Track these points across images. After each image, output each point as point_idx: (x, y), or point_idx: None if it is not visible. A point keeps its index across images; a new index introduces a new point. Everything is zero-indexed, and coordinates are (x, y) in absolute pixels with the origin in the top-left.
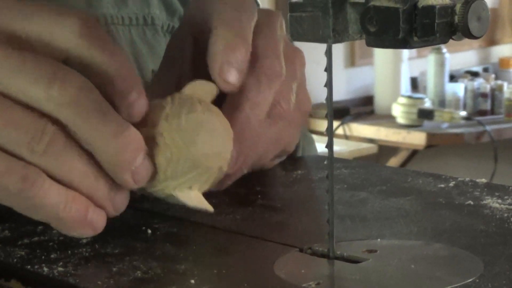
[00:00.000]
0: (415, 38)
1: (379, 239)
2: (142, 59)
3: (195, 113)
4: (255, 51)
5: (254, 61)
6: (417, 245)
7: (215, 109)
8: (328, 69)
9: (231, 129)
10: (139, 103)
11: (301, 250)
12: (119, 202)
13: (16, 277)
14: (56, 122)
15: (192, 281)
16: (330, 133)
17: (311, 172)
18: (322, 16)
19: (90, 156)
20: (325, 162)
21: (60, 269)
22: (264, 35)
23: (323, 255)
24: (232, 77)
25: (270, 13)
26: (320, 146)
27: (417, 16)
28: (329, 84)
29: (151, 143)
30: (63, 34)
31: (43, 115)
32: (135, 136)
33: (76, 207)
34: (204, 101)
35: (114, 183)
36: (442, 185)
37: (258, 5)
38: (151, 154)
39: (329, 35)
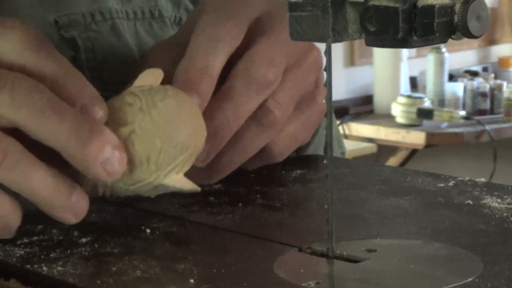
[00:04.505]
0: (415, 38)
1: (378, 239)
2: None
3: (170, 98)
4: (252, 55)
5: (248, 65)
6: (417, 245)
7: (176, 89)
8: (328, 68)
9: (195, 104)
10: (94, 106)
11: (300, 250)
12: (79, 208)
13: (16, 277)
14: (12, 131)
15: (192, 281)
16: (329, 133)
17: (310, 171)
18: (322, 16)
19: (49, 162)
20: (325, 162)
21: (60, 268)
22: (265, 40)
23: (322, 255)
24: None
25: (274, 13)
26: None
27: (417, 15)
28: (328, 84)
29: (133, 139)
30: (6, 47)
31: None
32: (97, 129)
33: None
34: (165, 86)
35: (74, 189)
36: (442, 185)
37: None
38: (137, 150)
39: (328, 35)
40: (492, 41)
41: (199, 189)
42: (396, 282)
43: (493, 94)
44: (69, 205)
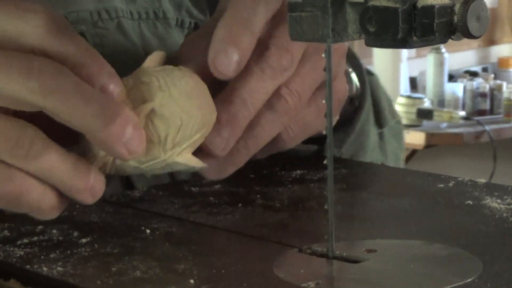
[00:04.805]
0: (414, 38)
1: (378, 239)
2: (152, 52)
3: (188, 77)
4: (268, 41)
5: (264, 50)
6: (416, 245)
7: (189, 69)
8: (328, 69)
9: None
10: (112, 84)
11: (300, 250)
12: (98, 189)
13: (16, 277)
14: (35, 116)
15: (191, 281)
16: (329, 133)
17: (310, 172)
18: (322, 16)
19: (70, 147)
20: (325, 162)
21: (60, 269)
22: (283, 27)
23: (322, 255)
24: (225, 67)
25: None
26: None
27: (416, 16)
28: (328, 84)
29: (152, 117)
30: (29, 31)
31: (20, 117)
32: (120, 110)
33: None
34: (178, 66)
35: (91, 171)
36: (442, 185)
37: None
38: (156, 128)
39: (328, 35)
40: (491, 42)
41: (206, 166)
42: (396, 282)
43: (493, 94)
44: (88, 187)
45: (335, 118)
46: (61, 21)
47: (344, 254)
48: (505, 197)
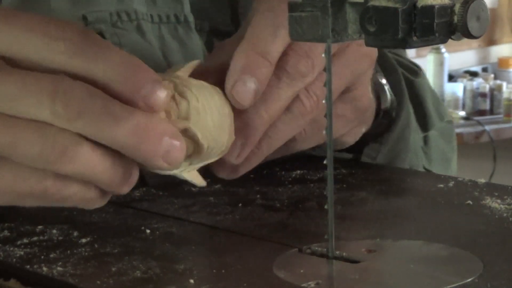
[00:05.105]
0: (414, 38)
1: (378, 239)
2: (171, 55)
3: (223, 103)
4: (289, 47)
5: (282, 55)
6: (416, 245)
7: (220, 91)
8: (328, 69)
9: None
10: (155, 93)
11: (300, 250)
12: (134, 182)
13: (16, 277)
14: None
15: (191, 281)
16: (329, 133)
17: (310, 172)
18: (321, 16)
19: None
20: (325, 162)
21: (60, 269)
22: None
23: (322, 255)
24: (242, 96)
25: None
26: None
27: (416, 16)
28: (328, 84)
29: (184, 136)
30: (55, 49)
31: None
32: (153, 124)
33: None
34: (213, 86)
35: (131, 166)
36: (441, 185)
37: None
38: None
39: (328, 35)
40: (491, 42)
41: (205, 184)
42: (396, 283)
43: (493, 94)
44: (127, 183)
45: (360, 129)
46: (90, 37)
47: (344, 254)
48: (505, 197)
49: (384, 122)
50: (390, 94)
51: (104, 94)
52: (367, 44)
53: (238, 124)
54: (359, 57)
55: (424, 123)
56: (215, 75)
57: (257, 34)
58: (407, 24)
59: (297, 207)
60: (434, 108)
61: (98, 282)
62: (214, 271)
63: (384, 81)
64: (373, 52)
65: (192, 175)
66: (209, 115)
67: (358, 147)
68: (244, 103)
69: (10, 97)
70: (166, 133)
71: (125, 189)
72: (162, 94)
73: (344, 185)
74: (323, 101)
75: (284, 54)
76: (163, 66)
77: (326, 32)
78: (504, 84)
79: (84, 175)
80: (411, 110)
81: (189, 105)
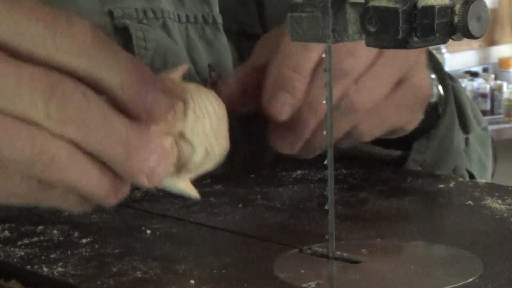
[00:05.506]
0: (415, 38)
1: (379, 239)
2: (197, 54)
3: (219, 107)
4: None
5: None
6: (417, 245)
7: (217, 96)
8: (328, 69)
9: None
10: (157, 104)
11: (300, 250)
12: (122, 195)
13: (16, 277)
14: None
15: (192, 281)
16: (330, 133)
17: (311, 172)
18: (322, 16)
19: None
20: (325, 162)
21: (60, 269)
22: None
23: (322, 255)
24: (278, 111)
25: None
26: None
27: (417, 16)
28: (329, 84)
29: (181, 143)
30: (62, 46)
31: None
32: (145, 140)
33: None
34: (210, 90)
35: (117, 179)
36: (442, 185)
37: None
38: (179, 154)
39: (328, 35)
40: (492, 42)
41: (199, 197)
42: (396, 283)
43: (493, 94)
44: (114, 196)
45: (419, 117)
46: (99, 39)
47: (345, 254)
48: (506, 197)
49: (432, 116)
50: (438, 89)
51: (101, 101)
52: (368, 44)
53: (289, 123)
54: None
55: (464, 126)
56: (253, 75)
57: (289, 48)
58: (407, 24)
59: (297, 208)
60: (472, 113)
61: (99, 282)
62: (214, 271)
63: (433, 75)
64: None
65: (187, 186)
66: (206, 118)
67: (405, 144)
68: (280, 118)
69: (2, 91)
70: (155, 150)
71: (112, 202)
72: (165, 106)
73: (345, 186)
74: (378, 95)
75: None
76: (188, 64)
77: (326, 33)
78: (505, 84)
79: (68, 185)
80: (455, 111)
81: (185, 107)
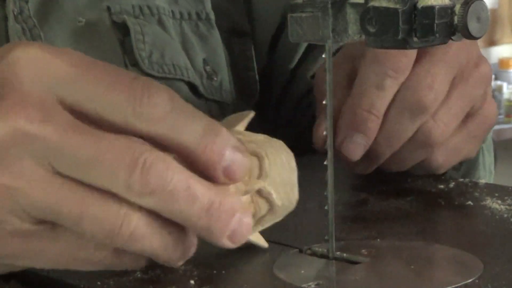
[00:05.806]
0: (415, 39)
1: (379, 240)
2: (192, 50)
3: (290, 161)
4: (410, 80)
5: (404, 91)
6: (417, 246)
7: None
8: (328, 69)
9: None
10: (236, 166)
11: (300, 251)
12: (190, 253)
13: (16, 278)
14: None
15: (192, 282)
16: (330, 133)
17: (311, 172)
18: (322, 17)
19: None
20: (325, 163)
21: (60, 269)
22: (425, 63)
23: (322, 256)
24: (352, 152)
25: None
26: None
27: (417, 16)
28: (329, 85)
29: (257, 199)
30: (144, 119)
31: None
32: (226, 201)
33: None
34: (281, 142)
35: (189, 241)
36: (442, 186)
37: None
38: (255, 206)
39: (328, 36)
40: (492, 42)
41: (267, 246)
42: (396, 283)
43: (493, 95)
44: (185, 258)
45: (481, 144)
46: (180, 102)
47: (345, 255)
48: (506, 197)
49: None
50: None
51: (183, 169)
52: (368, 44)
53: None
54: (479, 79)
55: None
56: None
57: (363, 89)
58: (407, 24)
59: (297, 208)
60: None
61: (99, 282)
62: (214, 272)
63: None
64: (489, 71)
65: (257, 238)
66: (280, 171)
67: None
68: (353, 158)
69: (82, 163)
70: (236, 210)
71: (180, 264)
72: (243, 167)
73: (344, 185)
74: (452, 127)
75: (407, 89)
76: (183, 59)
77: (326, 33)
78: (505, 84)
79: (145, 252)
80: None
81: (260, 163)
